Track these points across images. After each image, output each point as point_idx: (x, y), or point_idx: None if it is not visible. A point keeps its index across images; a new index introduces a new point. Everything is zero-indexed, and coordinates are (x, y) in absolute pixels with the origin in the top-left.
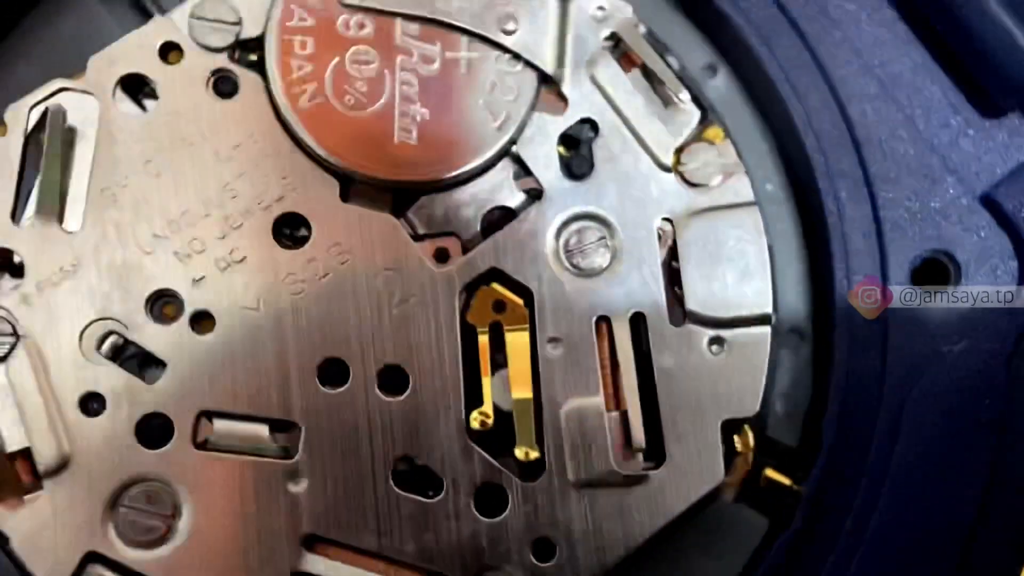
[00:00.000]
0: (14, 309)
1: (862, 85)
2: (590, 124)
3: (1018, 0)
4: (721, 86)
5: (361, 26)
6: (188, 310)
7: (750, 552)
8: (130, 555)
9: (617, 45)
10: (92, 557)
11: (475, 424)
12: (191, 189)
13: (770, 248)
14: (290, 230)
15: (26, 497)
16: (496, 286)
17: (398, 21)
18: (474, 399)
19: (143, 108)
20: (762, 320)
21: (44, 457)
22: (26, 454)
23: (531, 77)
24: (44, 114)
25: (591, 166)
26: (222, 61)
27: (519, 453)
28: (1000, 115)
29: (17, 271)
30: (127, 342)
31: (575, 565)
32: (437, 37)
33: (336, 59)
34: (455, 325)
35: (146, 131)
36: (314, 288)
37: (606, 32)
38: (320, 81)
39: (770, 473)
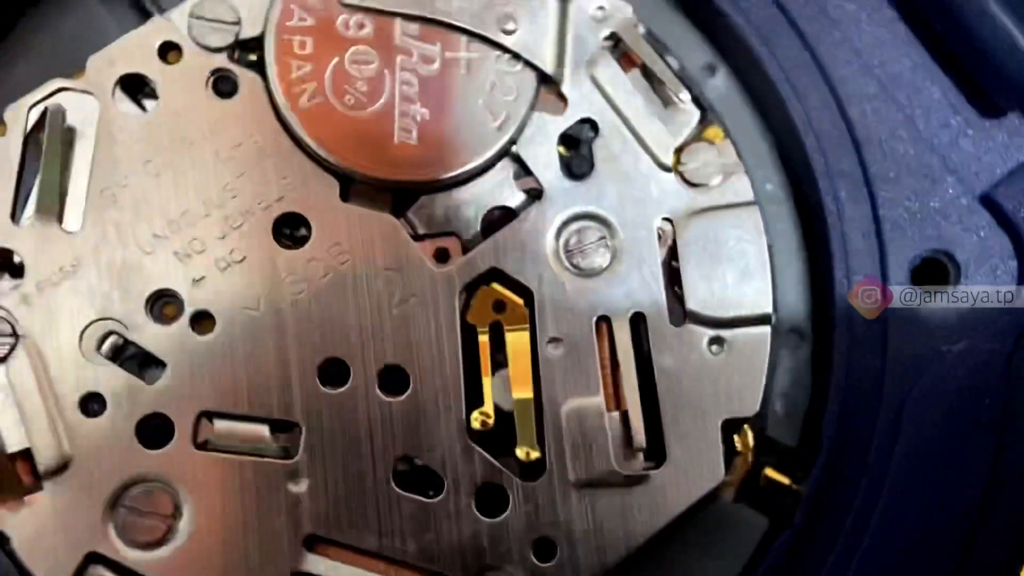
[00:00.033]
0: (14, 309)
1: (862, 85)
2: (590, 124)
3: (1017, 0)
4: (720, 86)
5: (361, 26)
6: (188, 310)
7: (750, 552)
8: (130, 556)
9: (617, 45)
10: (93, 558)
11: (476, 424)
12: (191, 189)
13: (769, 248)
14: (290, 230)
15: (26, 498)
16: (496, 286)
17: (398, 21)
18: (474, 399)
19: (143, 108)
20: (762, 320)
21: (44, 457)
22: (26, 455)
23: (531, 77)
24: (43, 114)
25: (591, 166)
26: (221, 61)
27: (520, 453)
28: (1000, 115)
29: (17, 271)
30: (127, 342)
31: (576, 565)
32: (437, 37)
33: (336, 59)
34: (455, 325)
35: (146, 131)
36: (314, 288)
37: (606, 32)
38: (320, 81)
39: (770, 473)
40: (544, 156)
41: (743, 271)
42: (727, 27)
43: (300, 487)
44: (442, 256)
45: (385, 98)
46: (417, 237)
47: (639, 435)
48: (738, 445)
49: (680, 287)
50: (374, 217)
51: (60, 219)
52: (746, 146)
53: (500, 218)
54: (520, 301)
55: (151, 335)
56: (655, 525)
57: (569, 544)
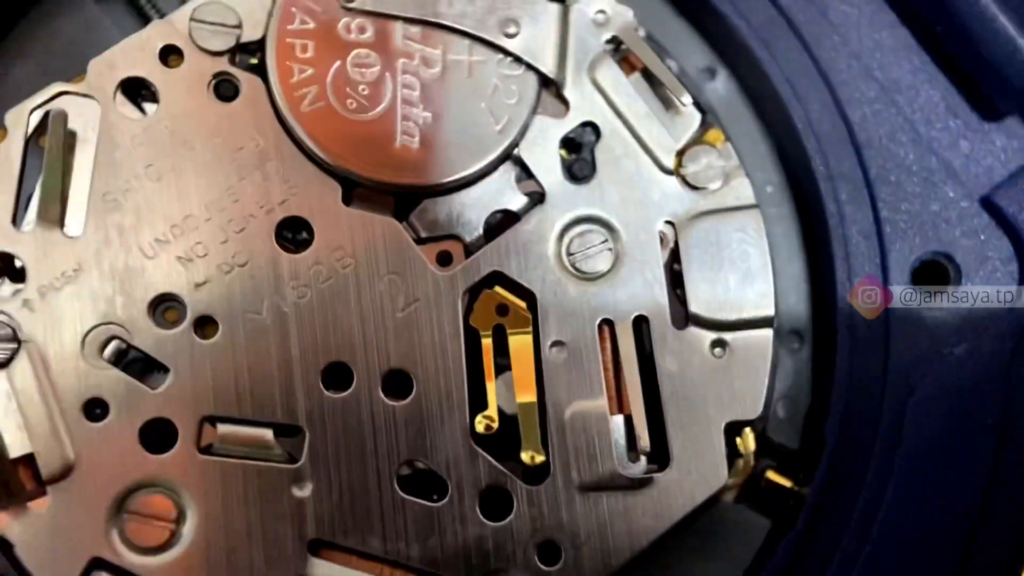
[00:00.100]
0: (16, 314)
1: (862, 88)
2: (591, 127)
3: (1018, 4)
4: (720, 88)
5: (362, 29)
6: (191, 314)
7: (752, 554)
8: (134, 561)
9: (618, 48)
10: (96, 563)
11: (480, 428)
12: (193, 193)
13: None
14: (292, 234)
15: (29, 503)
16: (499, 290)
17: (399, 24)
18: (478, 403)
19: (143, 112)
20: (765, 322)
21: (47, 463)
22: (29, 460)
23: (533, 80)
24: (44, 118)
25: (593, 169)
26: (223, 64)
27: (525, 457)
28: (1000, 118)
29: (19, 276)
30: (130, 347)
31: (580, 568)
32: (439, 40)
33: (337, 62)
34: (459, 329)
35: (147, 135)
36: (317, 292)
37: (607, 35)
38: (321, 84)
39: (771, 475)
40: (546, 159)
41: (745, 274)
42: (727, 30)
43: (304, 491)
44: (445, 260)
45: (387, 102)
46: (419, 241)
47: (643, 438)
48: (740, 448)
49: (682, 290)
50: (376, 221)
51: (62, 224)
52: (746, 149)
53: (502, 221)
54: (523, 304)
55: (154, 339)
56: (659, 528)
57: (574, 547)
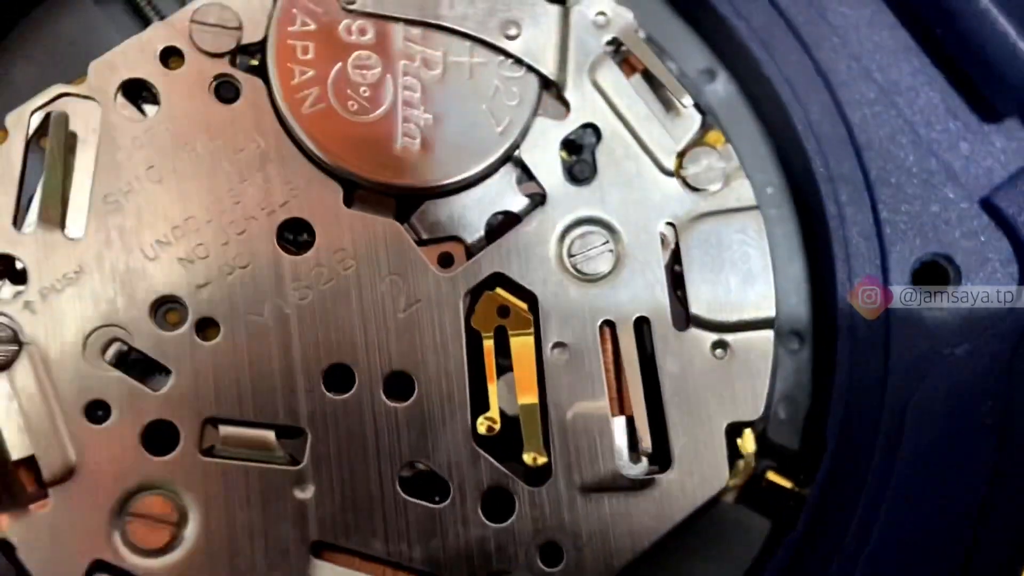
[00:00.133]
0: (17, 316)
1: (862, 90)
2: (592, 129)
3: (1017, 6)
4: (720, 90)
5: (363, 31)
6: (192, 316)
7: (753, 554)
8: (136, 563)
9: (618, 50)
10: (98, 566)
11: (482, 429)
12: (194, 195)
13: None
14: (293, 235)
15: (31, 506)
16: (500, 291)
17: (400, 26)
18: (479, 404)
19: (144, 113)
20: (766, 324)
21: (49, 465)
22: (31, 462)
23: (533, 82)
24: (45, 120)
25: (594, 171)
26: (223, 66)
27: (527, 458)
28: (999, 120)
29: (20, 278)
30: (131, 349)
31: (582, 569)
32: (439, 42)
33: (338, 64)
34: (460, 330)
35: (148, 136)
36: (318, 294)
37: (607, 37)
38: (322, 86)
39: (772, 476)
40: (547, 161)
41: (746, 275)
42: (727, 32)
43: (306, 493)
44: (446, 261)
45: (388, 103)
46: (421, 242)
47: (644, 439)
48: (740, 449)
49: (683, 291)
50: (378, 222)
51: (63, 225)
52: (746, 150)
53: (503, 223)
54: (524, 306)
55: (155, 341)
56: (661, 529)
57: (576, 548)
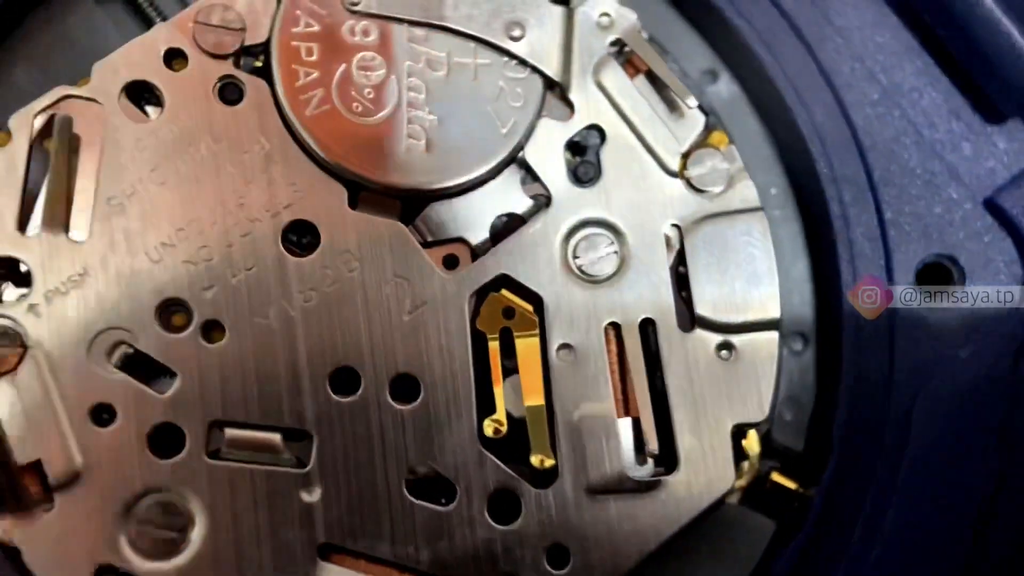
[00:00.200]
0: (22, 319)
1: (865, 91)
2: (596, 130)
3: (1020, 6)
4: (723, 91)
5: (367, 32)
6: (198, 319)
7: (758, 556)
8: (143, 567)
9: (621, 51)
10: (104, 570)
11: (489, 431)
12: (198, 197)
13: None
14: (298, 237)
15: (37, 510)
16: (505, 293)
17: (404, 27)
18: (485, 406)
19: (148, 115)
20: (771, 325)
21: (55, 469)
22: (36, 467)
23: (538, 83)
24: (49, 122)
25: (598, 172)
26: (227, 68)
27: (535, 460)
28: (1003, 121)
29: (24, 281)
30: (137, 352)
31: (589, 571)
32: (444, 43)
33: (343, 66)
34: (465, 332)
35: (152, 139)
36: (324, 296)
37: (611, 38)
38: (327, 88)
39: (776, 477)
40: (551, 162)
41: (751, 276)
42: (730, 33)
43: (313, 496)
44: (451, 263)
45: (392, 105)
46: (426, 244)
47: (651, 441)
48: (745, 450)
49: (688, 293)
50: (382, 224)
51: (67, 228)
52: (750, 151)
53: (508, 224)
54: (529, 308)
55: (160, 344)
56: (668, 530)
57: (582, 550)
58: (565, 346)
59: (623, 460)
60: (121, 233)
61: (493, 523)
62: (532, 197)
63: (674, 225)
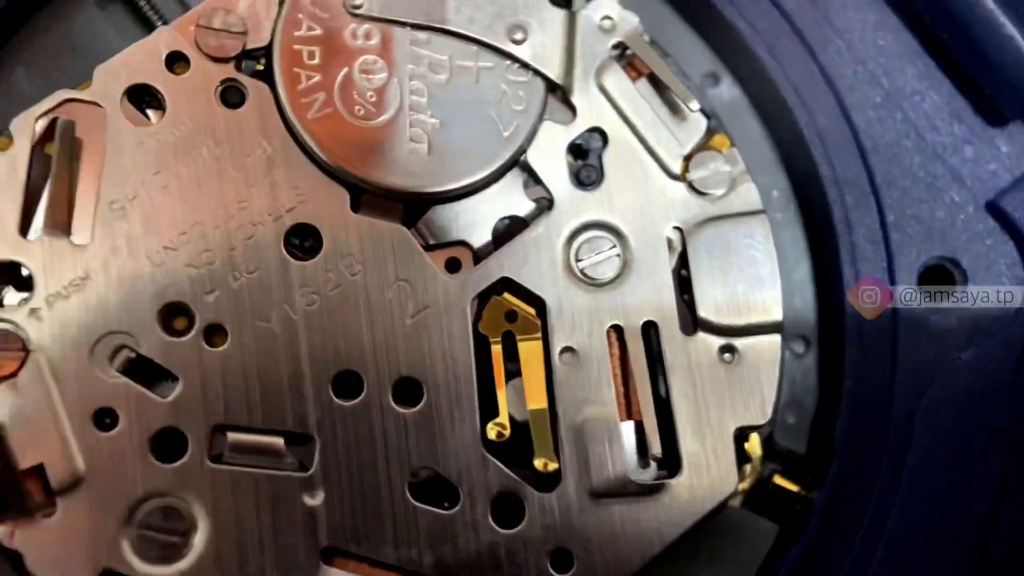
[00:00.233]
0: (23, 323)
1: (867, 93)
2: (599, 133)
3: (1022, 8)
4: (725, 94)
5: (369, 36)
6: (200, 323)
7: (760, 559)
8: (145, 571)
9: (623, 54)
10: (107, 574)
11: (492, 435)
12: (200, 200)
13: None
14: (300, 241)
15: (39, 514)
16: (508, 296)
17: (406, 30)
18: (488, 409)
19: (149, 119)
20: (774, 328)
21: (57, 474)
22: (39, 471)
23: (540, 86)
24: (50, 126)
25: (600, 175)
26: (229, 71)
27: (538, 464)
28: (1004, 124)
29: (26, 285)
30: (139, 356)
31: (593, 575)
32: (446, 47)
33: (345, 69)
34: (468, 335)
35: (154, 142)
36: (326, 299)
37: (613, 41)
38: (329, 91)
39: (778, 480)
40: (554, 166)
41: (753, 279)
42: (732, 35)
43: (316, 500)
44: (453, 266)
45: (394, 108)
46: (428, 247)
47: (654, 444)
48: (747, 452)
49: (690, 296)
50: (385, 227)
51: (69, 232)
52: (752, 154)
53: (510, 228)
54: (532, 311)
55: (163, 348)
56: (671, 534)
57: (586, 554)
58: (568, 349)
59: (626, 463)
60: (123, 237)
61: (496, 527)
62: (534, 200)
63: (676, 228)
